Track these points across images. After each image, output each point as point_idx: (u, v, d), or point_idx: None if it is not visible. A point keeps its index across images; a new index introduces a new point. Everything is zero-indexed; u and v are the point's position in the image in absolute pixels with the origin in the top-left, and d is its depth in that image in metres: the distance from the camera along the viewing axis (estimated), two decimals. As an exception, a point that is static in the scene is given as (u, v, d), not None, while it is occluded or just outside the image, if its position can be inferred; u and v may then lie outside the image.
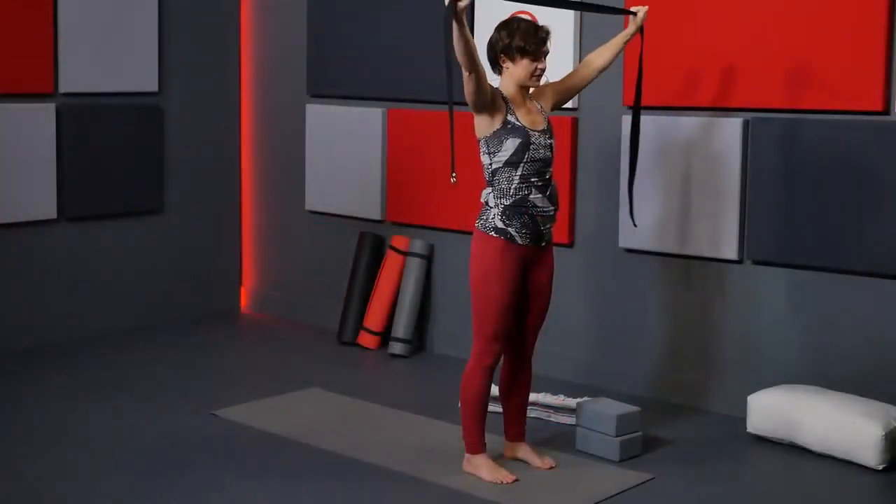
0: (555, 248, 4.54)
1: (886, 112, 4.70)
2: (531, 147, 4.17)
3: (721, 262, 5.19)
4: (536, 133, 4.21)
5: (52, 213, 6.22)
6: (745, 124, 5.05)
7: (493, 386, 4.75)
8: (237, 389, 5.46)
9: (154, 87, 6.64)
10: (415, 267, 6.21)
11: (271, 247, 7.13)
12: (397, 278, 6.28)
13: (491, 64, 4.25)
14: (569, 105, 4.74)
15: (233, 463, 4.48)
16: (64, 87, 6.22)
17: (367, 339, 6.33)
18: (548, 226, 4.28)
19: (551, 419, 5.05)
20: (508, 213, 4.19)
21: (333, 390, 5.47)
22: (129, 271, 6.64)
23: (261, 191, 7.16)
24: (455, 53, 3.97)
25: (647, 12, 4.57)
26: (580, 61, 5.44)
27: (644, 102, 5.18)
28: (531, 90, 4.35)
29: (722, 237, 5.12)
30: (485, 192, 4.26)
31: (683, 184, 5.21)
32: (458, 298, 6.02)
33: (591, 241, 5.62)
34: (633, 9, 4.59)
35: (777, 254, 5.01)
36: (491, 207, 4.23)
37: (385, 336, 6.30)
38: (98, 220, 6.47)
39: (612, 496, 4.22)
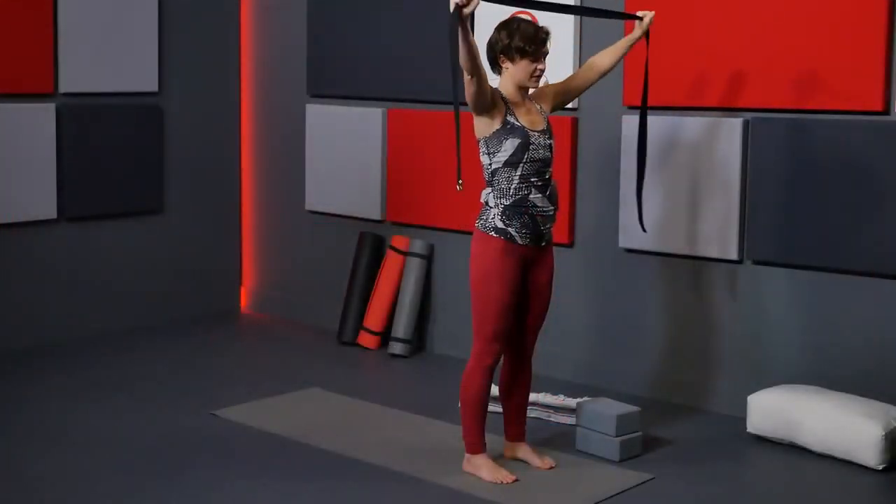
0: (555, 248, 4.54)
1: (886, 112, 4.70)
2: (531, 147, 4.17)
3: (721, 262, 5.19)
4: (536, 133, 4.21)
5: (52, 213, 6.22)
6: (745, 124, 5.05)
7: (493, 386, 4.75)
8: (237, 389, 5.46)
9: (154, 87, 6.64)
10: (415, 267, 6.21)
11: (271, 247, 7.13)
12: (397, 278, 6.28)
13: (490, 64, 4.25)
14: (569, 105, 4.74)
15: (233, 463, 4.48)
16: (64, 87, 6.22)
17: (367, 339, 6.33)
18: (548, 226, 4.28)
19: (551, 419, 5.05)
20: (508, 213, 4.19)
21: (333, 390, 5.47)
22: (129, 271, 6.64)
23: (261, 191, 7.16)
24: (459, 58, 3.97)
25: (653, 17, 4.57)
26: (580, 63, 5.47)
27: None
28: (531, 91, 4.35)
29: (722, 237, 5.12)
30: (484, 192, 4.26)
31: (684, 184, 5.21)
32: (458, 298, 6.02)
33: (591, 241, 5.62)
34: (639, 13, 4.59)
35: (777, 254, 5.01)
36: (491, 207, 4.23)
37: (385, 336, 6.30)
38: (98, 220, 6.47)
39: (612, 496, 4.22)
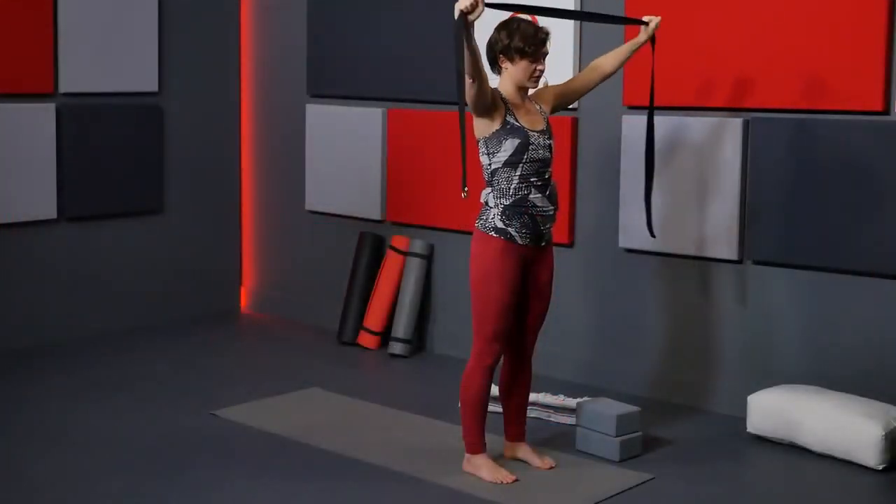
0: (555, 248, 4.54)
1: (886, 112, 4.70)
2: (530, 147, 4.18)
3: (721, 262, 5.19)
4: (535, 133, 4.21)
5: (52, 213, 6.22)
6: (745, 124, 5.05)
7: (493, 386, 4.75)
8: (237, 389, 5.46)
9: (154, 87, 6.64)
10: (415, 267, 6.21)
11: (271, 247, 7.13)
12: (397, 278, 6.28)
13: (490, 64, 4.25)
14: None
15: (233, 463, 4.48)
16: (64, 87, 6.22)
17: (367, 339, 6.33)
18: (547, 226, 4.28)
19: (551, 419, 5.05)
20: (508, 213, 4.19)
21: (333, 390, 5.47)
22: (129, 271, 6.64)
23: (261, 191, 7.16)
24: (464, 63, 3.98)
25: (659, 23, 4.56)
26: (580, 65, 5.47)
27: (645, 102, 5.18)
28: (531, 91, 4.35)
29: (722, 237, 5.12)
30: (484, 192, 4.26)
31: (684, 184, 5.21)
32: (458, 298, 6.02)
33: (591, 241, 5.62)
34: (645, 18, 4.58)
35: (777, 254, 5.01)
36: (491, 207, 4.23)
37: (385, 336, 6.30)
38: (98, 220, 6.47)
39: (612, 496, 4.22)
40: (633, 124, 5.33)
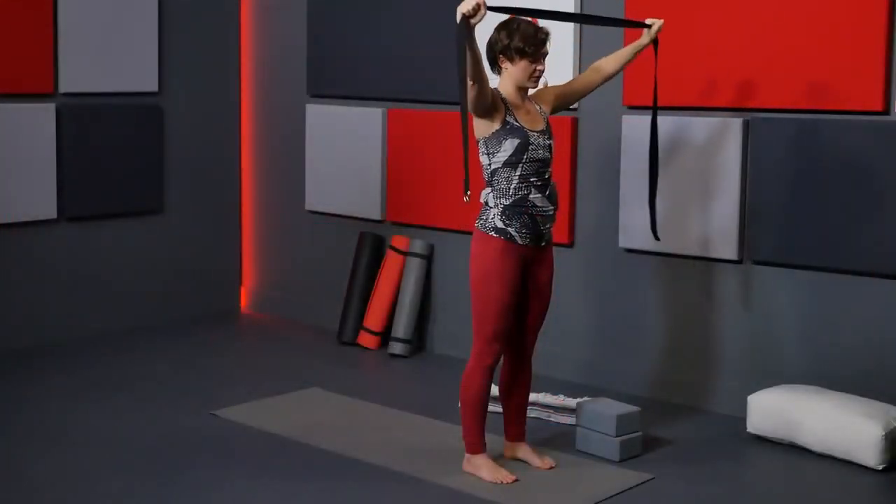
0: (555, 248, 4.54)
1: (886, 112, 4.70)
2: (530, 147, 4.18)
3: (721, 262, 5.19)
4: (535, 133, 4.21)
5: (52, 213, 6.22)
6: (745, 124, 5.05)
7: (493, 386, 4.75)
8: (237, 389, 5.46)
9: (154, 87, 6.64)
10: (415, 267, 6.21)
11: (271, 247, 7.13)
12: (397, 278, 6.28)
13: (490, 64, 4.24)
14: (569, 105, 4.74)
15: (233, 463, 4.48)
16: (64, 87, 6.22)
17: (367, 339, 6.33)
18: (547, 226, 4.28)
19: (551, 419, 5.05)
20: (508, 213, 4.19)
21: (333, 390, 5.47)
22: (129, 271, 6.64)
23: (261, 191, 7.16)
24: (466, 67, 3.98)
25: (661, 26, 4.55)
26: (580, 66, 5.47)
27: (645, 102, 5.19)
28: (531, 91, 4.35)
29: (722, 237, 5.12)
30: (484, 192, 4.26)
31: (684, 184, 5.21)
32: (458, 298, 6.02)
33: (591, 241, 5.62)
34: (647, 21, 4.58)
35: (777, 254, 5.01)
36: (491, 207, 4.23)
37: (385, 336, 6.30)
38: (98, 220, 6.47)
39: (612, 496, 4.22)
40: (633, 124, 5.33)
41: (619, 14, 5.31)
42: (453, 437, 4.64)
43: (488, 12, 3.96)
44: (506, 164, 4.17)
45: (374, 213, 6.48)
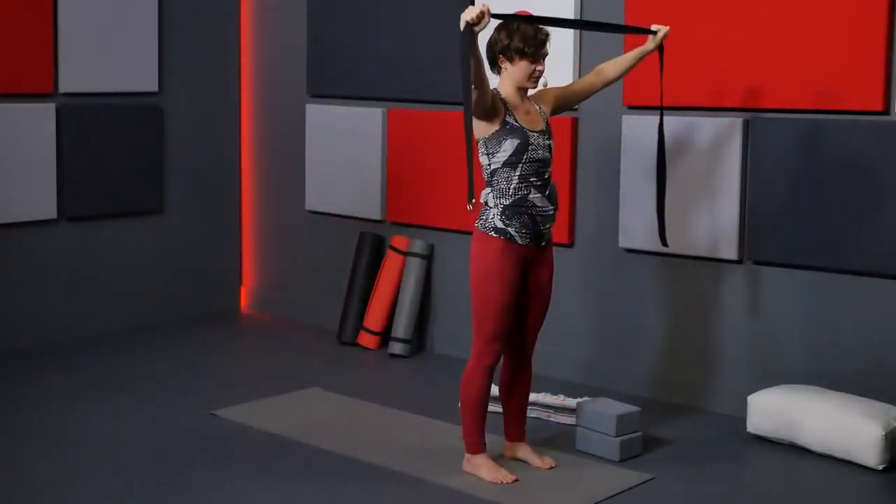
0: (555, 248, 4.54)
1: (886, 112, 4.70)
2: (530, 147, 4.18)
3: (721, 262, 5.19)
4: (535, 134, 4.21)
5: (52, 213, 6.22)
6: (746, 124, 5.05)
7: (493, 386, 4.75)
8: (237, 389, 5.46)
9: (154, 87, 6.64)
10: (415, 267, 6.21)
11: (271, 247, 7.13)
12: (397, 278, 6.28)
13: (490, 64, 4.25)
14: (568, 105, 4.74)
15: (233, 463, 4.48)
16: (64, 87, 6.22)
17: (367, 339, 6.33)
18: (547, 226, 4.28)
19: (551, 419, 5.05)
20: (508, 213, 4.19)
21: (333, 390, 5.47)
22: (129, 271, 6.64)
23: (261, 191, 7.16)
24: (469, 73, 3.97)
25: (668, 32, 4.53)
26: (580, 68, 5.47)
27: (644, 102, 5.20)
28: (531, 91, 4.35)
29: (722, 237, 5.12)
30: (484, 192, 4.26)
31: (684, 184, 5.21)
32: (458, 298, 6.02)
33: (591, 241, 5.62)
34: (653, 27, 4.57)
35: (777, 254, 5.01)
36: (490, 207, 4.23)
37: (385, 336, 6.30)
38: (98, 220, 6.47)
39: (612, 496, 4.22)
40: (633, 124, 5.33)
41: (619, 15, 5.31)
42: (453, 437, 4.64)
43: (492, 20, 3.96)
44: (505, 164, 4.18)
45: (374, 213, 6.48)
